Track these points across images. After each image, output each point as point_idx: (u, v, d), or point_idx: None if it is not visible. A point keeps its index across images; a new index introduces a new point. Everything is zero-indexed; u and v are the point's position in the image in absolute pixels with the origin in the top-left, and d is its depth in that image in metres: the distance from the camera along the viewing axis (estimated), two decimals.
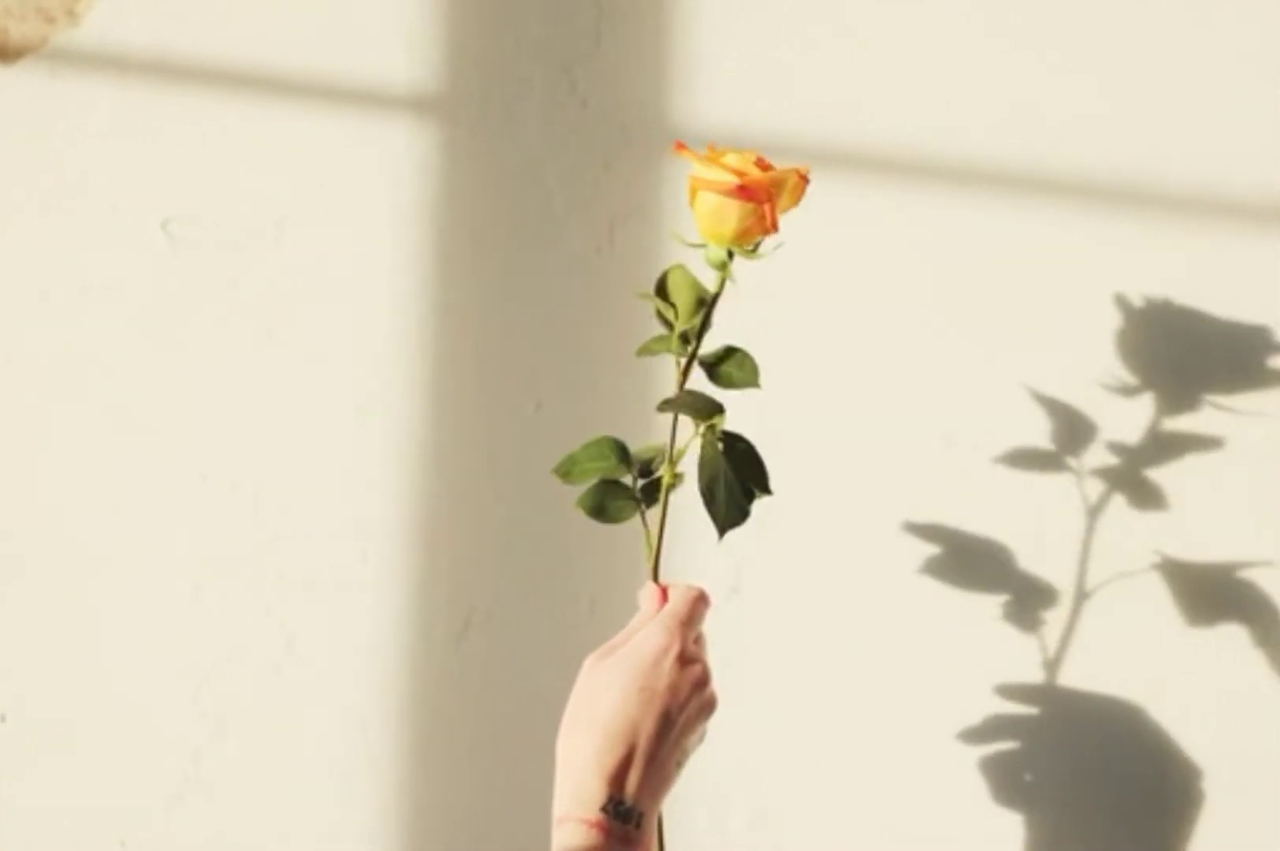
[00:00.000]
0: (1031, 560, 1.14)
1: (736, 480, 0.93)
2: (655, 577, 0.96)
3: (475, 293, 1.17)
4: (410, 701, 1.13)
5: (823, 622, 1.14)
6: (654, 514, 0.95)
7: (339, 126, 1.18)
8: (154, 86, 1.17)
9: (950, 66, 1.18)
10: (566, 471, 0.94)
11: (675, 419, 0.94)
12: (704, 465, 0.92)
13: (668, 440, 0.94)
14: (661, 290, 0.94)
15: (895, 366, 1.16)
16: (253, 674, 1.13)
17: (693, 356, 0.93)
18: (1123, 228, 1.16)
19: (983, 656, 1.14)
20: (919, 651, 1.14)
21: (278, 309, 1.16)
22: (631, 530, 1.13)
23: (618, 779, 0.86)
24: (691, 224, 0.93)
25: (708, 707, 0.91)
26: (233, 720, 1.13)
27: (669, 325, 0.94)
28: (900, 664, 1.14)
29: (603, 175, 1.17)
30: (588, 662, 0.92)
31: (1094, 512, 1.14)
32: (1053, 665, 1.13)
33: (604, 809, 0.85)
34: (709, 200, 0.90)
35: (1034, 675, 1.14)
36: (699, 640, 0.94)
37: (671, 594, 0.93)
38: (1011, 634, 1.14)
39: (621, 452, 0.94)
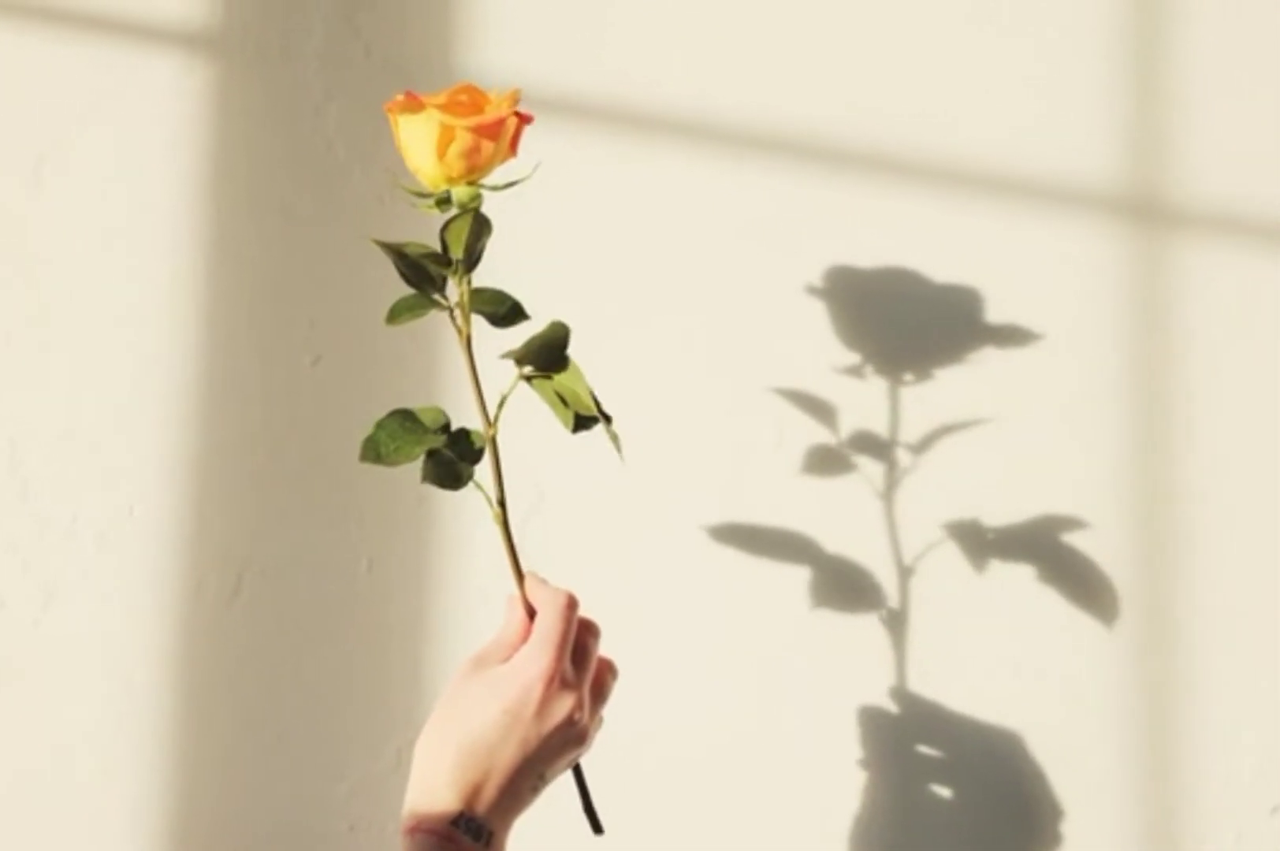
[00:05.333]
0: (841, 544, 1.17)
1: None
2: (513, 552, 0.94)
3: (251, 241, 1.14)
4: (179, 660, 1.10)
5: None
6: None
7: (106, 60, 1.13)
8: None
9: (740, 26, 1.19)
10: (378, 455, 0.90)
11: (474, 372, 0.92)
12: (572, 401, 0.92)
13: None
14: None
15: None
16: (9, 631, 1.09)
17: (467, 307, 0.93)
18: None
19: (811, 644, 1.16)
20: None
21: (38, 251, 1.11)
22: (412, 489, 1.12)
23: (472, 796, 0.86)
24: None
25: (575, 742, 0.91)
26: None
27: (429, 279, 0.93)
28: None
29: (385, 125, 1.14)
30: (461, 671, 0.91)
31: (885, 494, 1.17)
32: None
33: (455, 823, 0.85)
34: (465, 139, 0.90)
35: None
36: (592, 629, 0.94)
37: (541, 610, 0.92)
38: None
39: (430, 423, 0.92)
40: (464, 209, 0.91)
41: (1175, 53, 1.22)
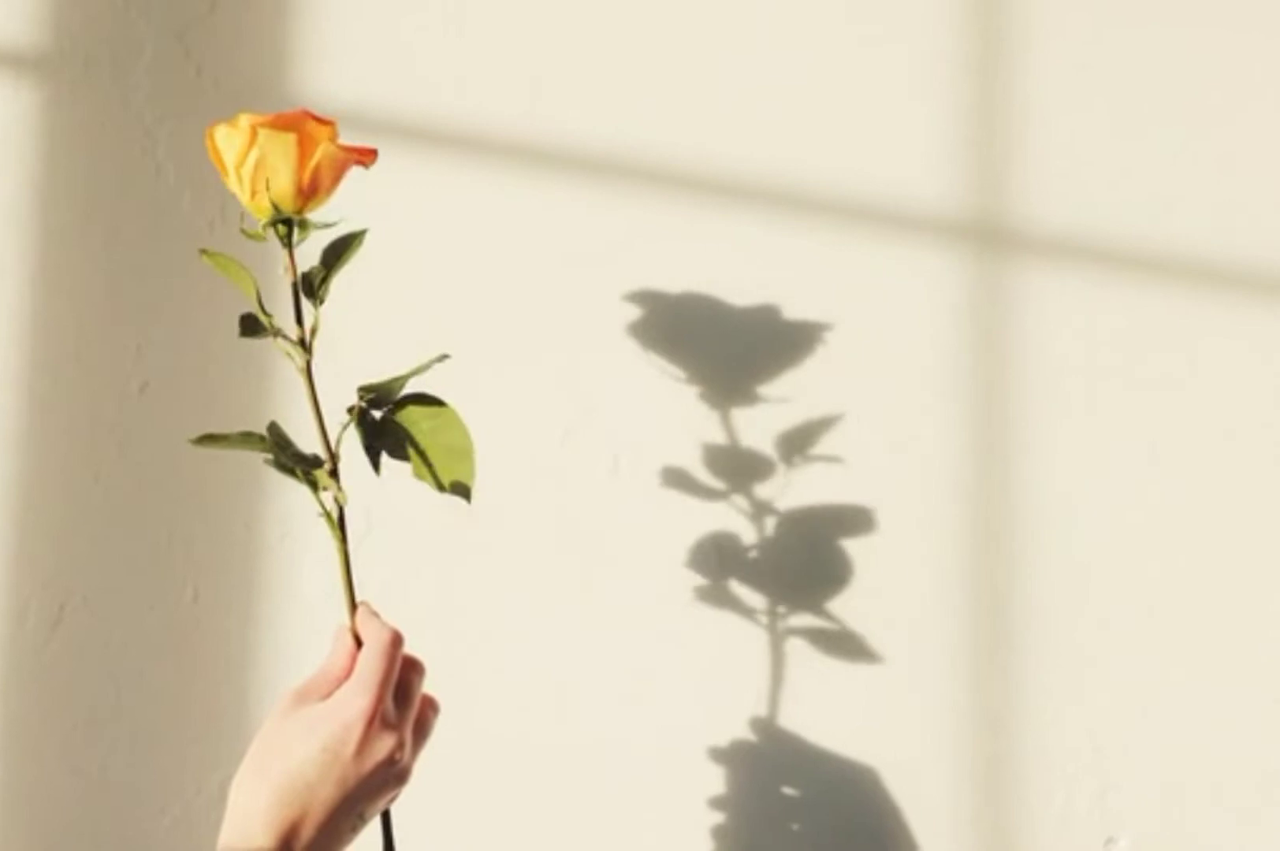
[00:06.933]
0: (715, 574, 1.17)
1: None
2: (350, 582, 0.94)
3: (77, 265, 1.12)
4: None
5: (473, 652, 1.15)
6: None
7: None
8: None
9: (577, 52, 1.19)
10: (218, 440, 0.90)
11: (318, 410, 0.92)
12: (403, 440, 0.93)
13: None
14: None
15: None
16: None
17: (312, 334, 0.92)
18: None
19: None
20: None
21: None
22: (239, 516, 1.11)
23: (289, 834, 0.86)
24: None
25: (395, 780, 0.90)
26: None
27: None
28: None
29: None
30: (281, 705, 0.90)
31: (757, 525, 1.17)
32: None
33: None
34: (333, 165, 0.90)
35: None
36: (417, 667, 0.94)
37: (365, 646, 0.91)
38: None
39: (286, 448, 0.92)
40: (303, 235, 0.92)
41: (1015, 81, 1.24)
